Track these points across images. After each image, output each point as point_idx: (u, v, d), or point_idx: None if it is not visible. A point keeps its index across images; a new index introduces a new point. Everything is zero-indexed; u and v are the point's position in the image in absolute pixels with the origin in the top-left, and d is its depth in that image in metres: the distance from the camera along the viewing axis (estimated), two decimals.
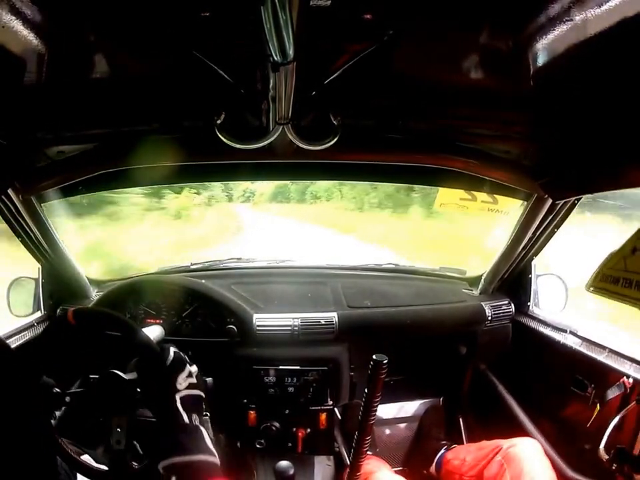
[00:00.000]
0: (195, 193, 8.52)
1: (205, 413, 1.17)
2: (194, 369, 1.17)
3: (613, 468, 1.06)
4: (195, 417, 1.09)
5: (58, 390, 1.18)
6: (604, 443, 1.17)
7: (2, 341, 0.80)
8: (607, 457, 1.15)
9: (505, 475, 1.47)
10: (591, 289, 0.94)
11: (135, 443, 1.14)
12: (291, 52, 0.77)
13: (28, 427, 0.75)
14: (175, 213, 8.04)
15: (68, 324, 1.17)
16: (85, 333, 1.58)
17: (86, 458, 1.23)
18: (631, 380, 1.39)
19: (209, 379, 1.62)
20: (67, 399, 1.18)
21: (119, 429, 1.14)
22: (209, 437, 1.09)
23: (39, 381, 1.15)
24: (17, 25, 0.77)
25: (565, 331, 1.78)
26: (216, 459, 1.03)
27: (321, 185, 9.66)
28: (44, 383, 1.17)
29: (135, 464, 1.14)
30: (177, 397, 1.08)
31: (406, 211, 7.87)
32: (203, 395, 1.16)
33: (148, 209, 7.04)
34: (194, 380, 1.14)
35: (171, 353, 1.14)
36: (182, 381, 1.10)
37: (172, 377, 1.10)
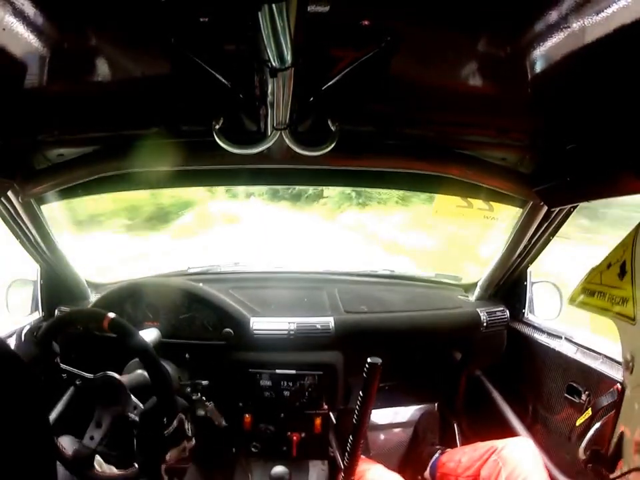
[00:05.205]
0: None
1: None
2: (191, 443, 1.18)
3: (588, 468, 1.07)
4: None
5: (58, 361, 1.20)
6: (584, 445, 1.18)
7: (2, 342, 0.81)
8: (584, 457, 1.15)
9: (500, 474, 1.48)
10: (572, 302, 0.96)
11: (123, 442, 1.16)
12: (288, 58, 0.78)
13: (26, 427, 0.75)
14: None
15: (100, 326, 1.18)
16: (81, 334, 1.60)
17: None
18: None
19: (204, 382, 1.62)
20: (64, 375, 1.20)
21: (98, 426, 1.15)
22: None
23: (37, 381, 1.16)
24: (19, 28, 0.79)
25: (560, 338, 1.78)
26: None
27: None
28: (52, 351, 1.19)
29: (98, 469, 1.15)
30: (163, 467, 1.10)
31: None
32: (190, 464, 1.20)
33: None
34: (186, 455, 1.16)
35: (174, 424, 1.15)
36: (174, 456, 1.12)
37: (165, 448, 1.12)
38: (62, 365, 1.26)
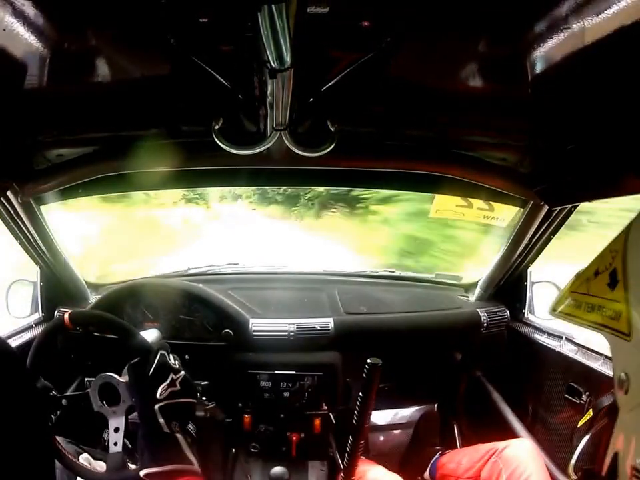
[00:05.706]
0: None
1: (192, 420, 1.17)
2: (179, 375, 1.15)
3: None
4: (175, 425, 1.09)
5: (55, 393, 1.18)
6: (574, 462, 1.13)
7: (3, 342, 0.81)
8: (574, 477, 1.10)
9: (501, 475, 1.48)
10: (555, 313, 0.90)
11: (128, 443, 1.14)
12: (288, 59, 0.78)
13: (26, 429, 0.75)
14: None
15: (64, 327, 1.17)
16: (81, 335, 1.58)
17: (84, 457, 1.23)
18: None
19: (204, 383, 1.62)
20: (64, 402, 1.18)
21: (115, 432, 1.14)
22: (189, 444, 1.09)
23: (36, 383, 1.15)
24: (19, 29, 0.78)
25: (561, 338, 1.77)
26: (195, 467, 1.04)
27: None
28: (42, 386, 1.17)
29: (133, 466, 1.14)
30: (157, 407, 1.08)
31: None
32: (193, 400, 1.16)
33: None
34: (177, 388, 1.13)
35: (155, 360, 1.13)
36: (163, 391, 1.10)
37: (153, 386, 1.10)
38: (56, 394, 1.24)
